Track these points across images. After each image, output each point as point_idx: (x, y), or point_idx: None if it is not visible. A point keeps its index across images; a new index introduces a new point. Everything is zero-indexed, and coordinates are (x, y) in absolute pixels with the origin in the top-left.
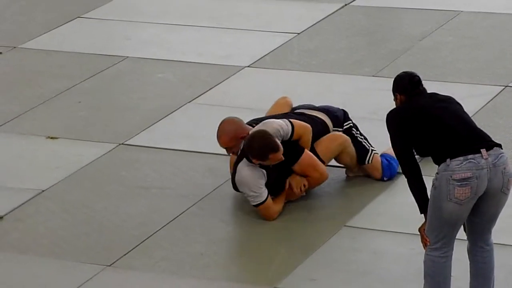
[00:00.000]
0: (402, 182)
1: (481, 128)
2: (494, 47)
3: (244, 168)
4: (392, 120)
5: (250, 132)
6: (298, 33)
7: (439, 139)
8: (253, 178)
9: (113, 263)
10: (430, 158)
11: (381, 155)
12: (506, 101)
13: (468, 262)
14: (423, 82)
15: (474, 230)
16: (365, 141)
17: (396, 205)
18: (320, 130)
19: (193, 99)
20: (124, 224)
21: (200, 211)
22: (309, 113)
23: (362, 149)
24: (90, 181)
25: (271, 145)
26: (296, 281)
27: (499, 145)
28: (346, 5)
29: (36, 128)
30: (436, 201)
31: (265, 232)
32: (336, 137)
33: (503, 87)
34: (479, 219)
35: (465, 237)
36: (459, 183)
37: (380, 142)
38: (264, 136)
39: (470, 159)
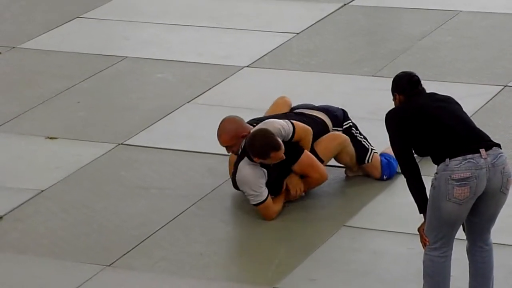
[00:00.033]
0: (401, 182)
1: (480, 128)
2: (493, 47)
3: (245, 167)
4: (391, 120)
5: (251, 131)
6: (298, 33)
7: (438, 139)
8: (254, 177)
9: (112, 263)
10: (429, 158)
11: (381, 154)
12: (505, 101)
13: (468, 262)
14: (422, 82)
15: (473, 230)
16: (365, 140)
17: (396, 205)
18: (320, 130)
19: (193, 99)
20: (124, 224)
21: (200, 211)
22: (309, 113)
23: (361, 149)
24: (90, 181)
25: (273, 143)
26: (296, 281)
27: (498, 145)
28: (345, 5)
29: (36, 128)
30: (435, 201)
31: (265, 232)
32: (336, 137)
33: (502, 87)
34: (478, 219)
35: (465, 237)
36: (458, 183)
37: (380, 142)
38: (266, 135)
39: (469, 159)
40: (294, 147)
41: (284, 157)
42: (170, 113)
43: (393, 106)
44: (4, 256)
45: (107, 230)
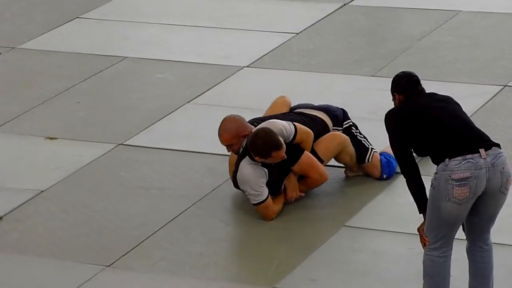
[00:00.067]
0: (401, 182)
1: (480, 128)
2: (493, 46)
3: (246, 166)
4: (391, 120)
5: (253, 130)
6: (297, 33)
7: (438, 139)
8: (255, 177)
9: (112, 263)
10: (428, 157)
11: (380, 154)
12: (505, 100)
13: (467, 262)
14: (422, 81)
15: (473, 230)
16: (365, 140)
17: (396, 205)
18: (320, 130)
19: (192, 99)
20: (124, 225)
21: (200, 211)
22: (309, 113)
23: (362, 148)
24: (90, 182)
25: (275, 142)
26: (296, 281)
27: (498, 145)
28: (345, 5)
29: (35, 128)
30: (435, 201)
31: (265, 232)
32: (335, 137)
33: (502, 86)
34: (478, 219)
35: (464, 237)
36: (457, 183)
37: (380, 141)
38: (268, 134)
39: (469, 159)
40: (294, 148)
41: (286, 157)
42: (170, 113)
43: (392, 106)
44: (4, 256)
45: (107, 230)
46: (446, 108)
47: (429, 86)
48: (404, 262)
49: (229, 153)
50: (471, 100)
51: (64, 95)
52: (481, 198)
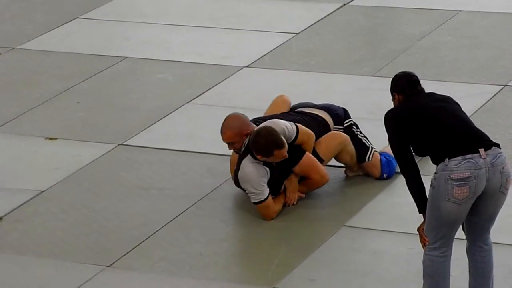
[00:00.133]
0: (401, 182)
1: (480, 128)
2: (493, 46)
3: (248, 165)
4: (390, 119)
5: (255, 129)
6: (297, 33)
7: (437, 139)
8: (257, 175)
9: (112, 263)
10: (428, 157)
11: (380, 154)
12: (505, 100)
13: (467, 262)
14: (422, 81)
15: (473, 230)
16: (365, 139)
17: (395, 204)
18: (321, 129)
19: (192, 99)
20: (124, 225)
21: (200, 211)
22: (310, 112)
23: (362, 147)
24: (89, 182)
25: (277, 141)
26: (296, 281)
27: (497, 145)
28: (345, 5)
29: (35, 129)
30: (435, 201)
31: (265, 232)
32: (336, 136)
33: (502, 86)
34: (478, 219)
35: (464, 237)
36: (457, 183)
37: (380, 141)
38: (270, 132)
39: (469, 159)
40: (296, 148)
41: (287, 156)
42: (170, 113)
43: (392, 106)
44: (4, 256)
45: (107, 231)
46: (446, 108)
47: (429, 86)
48: (404, 262)
49: (230, 153)
50: (471, 100)
51: (64, 96)
52: (481, 198)
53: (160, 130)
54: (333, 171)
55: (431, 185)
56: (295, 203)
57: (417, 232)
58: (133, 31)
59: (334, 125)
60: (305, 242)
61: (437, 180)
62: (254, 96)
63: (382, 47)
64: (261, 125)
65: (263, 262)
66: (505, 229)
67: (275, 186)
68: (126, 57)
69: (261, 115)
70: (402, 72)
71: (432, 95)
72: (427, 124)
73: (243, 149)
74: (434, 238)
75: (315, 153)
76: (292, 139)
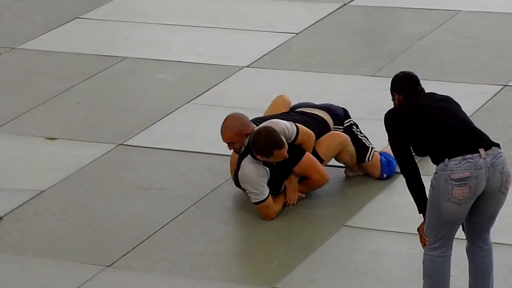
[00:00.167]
0: (401, 182)
1: (480, 128)
2: (493, 46)
3: (248, 165)
4: (390, 120)
5: (255, 129)
6: (297, 33)
7: (437, 139)
8: (257, 175)
9: (112, 263)
10: (428, 157)
11: (380, 154)
12: (505, 100)
13: (467, 262)
14: (422, 81)
15: (473, 230)
16: (365, 139)
17: (396, 204)
18: (321, 129)
19: (192, 99)
20: (124, 225)
21: (200, 211)
22: (310, 111)
23: (362, 147)
24: (89, 182)
25: (277, 141)
26: (296, 281)
27: (497, 145)
28: (345, 4)
29: (35, 129)
30: (435, 201)
31: (265, 232)
32: (336, 136)
33: (502, 86)
34: (478, 219)
35: (464, 237)
36: (457, 183)
37: (380, 141)
38: (270, 132)
39: (468, 158)
40: (296, 148)
41: (287, 156)
42: (170, 113)
43: (392, 106)
44: (4, 256)
45: (107, 231)
46: (446, 108)
47: (429, 86)
48: (404, 262)
49: (230, 153)
50: (471, 100)
51: (64, 96)
52: (481, 198)
53: (160, 130)
54: (333, 171)
55: (431, 185)
56: (295, 203)
57: (417, 232)
58: (133, 31)
59: (334, 125)
60: (305, 242)
61: (437, 180)
62: (254, 96)
63: (382, 47)
64: (261, 125)
65: (263, 262)
66: (505, 229)
67: (275, 186)
68: (126, 57)
69: (261, 115)
70: (402, 72)
71: (432, 95)
72: (427, 124)
73: (243, 149)
74: (434, 238)
75: (315, 153)
76: (292, 139)
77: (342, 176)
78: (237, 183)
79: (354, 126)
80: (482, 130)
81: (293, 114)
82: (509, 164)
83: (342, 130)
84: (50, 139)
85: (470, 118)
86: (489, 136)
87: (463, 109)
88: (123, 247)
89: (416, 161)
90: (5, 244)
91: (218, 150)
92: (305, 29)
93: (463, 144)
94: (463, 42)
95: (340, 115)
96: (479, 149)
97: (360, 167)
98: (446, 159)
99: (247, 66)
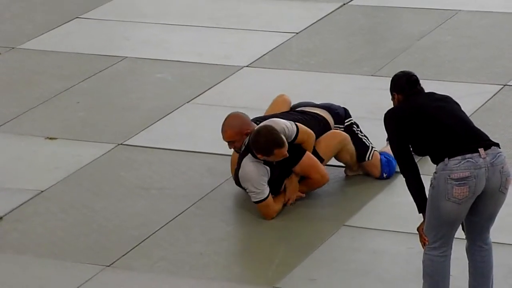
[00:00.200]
0: (401, 181)
1: (480, 127)
2: (492, 46)
3: (248, 164)
4: (390, 119)
5: (255, 128)
6: (297, 33)
7: (437, 139)
8: (257, 174)
9: (112, 263)
10: (428, 157)
11: (380, 153)
12: (505, 100)
13: (467, 261)
14: (421, 81)
15: (472, 229)
16: (365, 138)
17: (395, 204)
18: (321, 128)
19: (192, 99)
20: (123, 224)
21: (199, 211)
22: (310, 111)
23: (362, 146)
24: (89, 182)
25: (277, 140)
26: (296, 280)
27: (497, 144)
28: (344, 4)
29: (35, 128)
30: (435, 200)
31: (265, 232)
32: (336, 135)
33: (502, 86)
34: (478, 218)
35: (464, 236)
36: (457, 183)
37: (380, 141)
38: (270, 131)
39: (468, 158)
40: (296, 148)
41: (287, 155)
42: (169, 113)
43: (392, 105)
44: (4, 256)
45: (107, 231)
46: (445, 107)
47: (428, 86)
48: (404, 261)
49: (230, 153)
50: (470, 99)
51: (64, 95)
52: (481, 197)
53: (160, 130)
54: (333, 171)
55: (430, 185)
56: (294, 202)
57: (417, 232)
58: (132, 31)
59: (335, 124)
60: (305, 241)
61: (437, 179)
62: (254, 96)
63: (382, 46)
64: (261, 124)
65: (263, 261)
66: (505, 229)
67: (276, 186)
68: (126, 57)
69: (261, 114)
70: (401, 71)
71: (432, 94)
72: (426, 123)
73: (243, 148)
74: (434, 237)
75: (315, 152)
76: (292, 138)
77: (342, 175)
78: (238, 182)
79: (354, 125)
80: (482, 129)
81: (294, 113)
82: (508, 164)
83: (342, 129)
84: (50, 139)
85: (470, 117)
86: (488, 135)
87: (462, 108)
88: (123, 247)
89: (416, 161)
90: (5, 244)
91: (218, 149)
92: (305, 29)
93: (462, 143)
94: (462, 41)
95: (340, 114)
96: (479, 149)
97: (360, 167)
98: (446, 159)
99: (247, 66)
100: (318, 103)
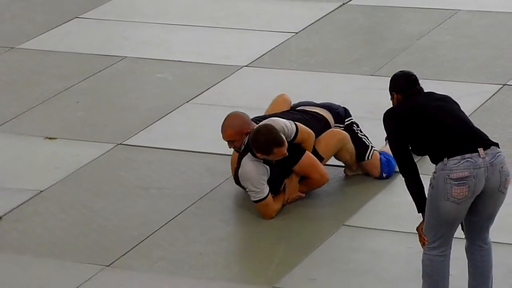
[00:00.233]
0: (400, 181)
1: (479, 127)
2: (492, 45)
3: (248, 163)
4: (389, 119)
5: (255, 127)
6: (296, 32)
7: (436, 138)
8: (257, 174)
9: (112, 263)
10: (427, 157)
11: (380, 153)
12: (504, 99)
13: (467, 261)
14: (421, 81)
15: (472, 229)
16: (365, 138)
17: (395, 204)
18: (321, 128)
19: (191, 99)
20: (123, 224)
21: (199, 210)
22: (310, 110)
23: (362, 146)
24: (89, 182)
25: (276, 139)
26: (295, 280)
27: (496, 144)
28: (344, 4)
29: (35, 128)
30: (434, 200)
31: (264, 232)
32: (335, 134)
33: (501, 85)
34: (477, 218)
35: (463, 236)
36: (456, 182)
37: (379, 141)
38: (270, 130)
39: (468, 158)
40: (296, 147)
41: (287, 154)
42: (169, 113)
43: (391, 105)
44: (3, 256)
45: (106, 230)
46: (444, 107)
47: (428, 85)
48: (403, 261)
49: (229, 152)
50: (470, 99)
51: (63, 95)
52: (480, 197)
53: (160, 130)
54: (333, 171)
55: (430, 185)
56: (293, 199)
57: (416, 232)
58: (132, 31)
59: (335, 123)
60: (304, 241)
61: (436, 179)
62: (254, 96)
63: (381, 46)
64: (261, 123)
65: (263, 261)
66: (504, 228)
67: (275, 185)
68: (126, 57)
69: (260, 114)
70: (401, 71)
71: (431, 94)
72: (426, 123)
73: (243, 147)
74: (433, 237)
75: (314, 151)
76: (292, 138)
77: (341, 175)
78: (237, 181)
79: (354, 125)
80: (481, 129)
81: (294, 112)
82: (508, 163)
83: (343, 128)
84: (50, 138)
85: (469, 117)
86: (488, 135)
87: (462, 108)
88: (123, 247)
89: (415, 161)
90: (5, 244)
91: (218, 149)
92: (304, 29)
93: (462, 143)
94: (462, 41)
95: (341, 114)
96: (478, 149)
97: (359, 166)
98: (445, 159)
99: (246, 66)
100: (319, 102)
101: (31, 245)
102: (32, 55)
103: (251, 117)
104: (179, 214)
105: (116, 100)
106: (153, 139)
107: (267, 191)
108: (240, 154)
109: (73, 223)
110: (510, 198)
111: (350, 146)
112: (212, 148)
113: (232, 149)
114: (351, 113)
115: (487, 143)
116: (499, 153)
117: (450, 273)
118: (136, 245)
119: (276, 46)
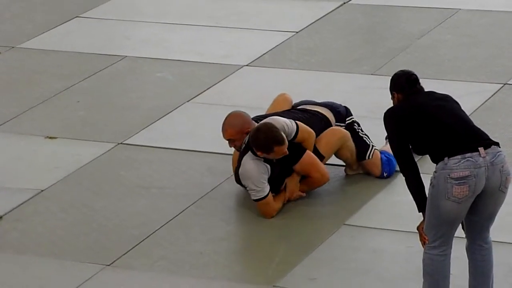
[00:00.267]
0: (401, 180)
1: (480, 126)
2: (492, 45)
3: (249, 162)
4: (390, 118)
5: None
6: (297, 32)
7: (437, 138)
8: (257, 172)
9: (112, 262)
10: (428, 156)
11: (380, 152)
12: (505, 99)
13: (467, 261)
14: (421, 80)
15: (472, 229)
16: (366, 137)
17: (395, 203)
18: (322, 127)
19: (192, 98)
20: (124, 224)
21: (200, 210)
22: (311, 109)
23: (363, 144)
24: (89, 181)
25: (277, 137)
26: (296, 279)
27: (497, 143)
28: (344, 3)
29: (35, 128)
30: (434, 199)
31: (265, 231)
32: (336, 132)
33: (502, 85)
34: (478, 217)
35: (464, 235)
36: (457, 182)
37: (380, 140)
38: (270, 129)
39: (468, 157)
40: (296, 146)
41: (287, 153)
42: (169, 112)
43: (391, 104)
44: (4, 256)
45: (107, 230)
46: (445, 106)
47: (428, 85)
48: (404, 260)
49: (230, 152)
50: (470, 98)
51: (64, 95)
52: (481, 196)
53: (160, 129)
54: (333, 170)
55: (430, 184)
56: (294, 198)
57: (417, 231)
58: (132, 30)
59: (336, 122)
60: (305, 240)
61: (437, 179)
62: (254, 95)
63: (381, 45)
64: (261, 122)
65: (263, 260)
66: (504, 228)
67: (276, 184)
68: (126, 56)
69: (261, 113)
70: (401, 70)
71: (432, 93)
72: (426, 122)
73: (243, 146)
74: (434, 236)
75: (315, 150)
76: (292, 136)
77: (342, 174)
78: (238, 180)
79: (355, 124)
80: (482, 128)
81: (294, 111)
82: (508, 163)
83: (344, 127)
84: (50, 138)
85: (470, 116)
86: (488, 134)
87: (462, 107)
88: (123, 246)
89: (416, 160)
90: (5, 244)
91: (218, 149)
92: (305, 28)
93: (462, 143)
94: (462, 40)
95: (342, 113)
96: (479, 148)
97: (360, 166)
98: (446, 158)
99: (247, 65)
100: (320, 101)
101: (31, 245)
102: (33, 55)
103: (251, 116)
104: (179, 214)
105: (116, 99)
106: (154, 138)
107: (268, 190)
108: (241, 153)
109: (74, 223)
110: (511, 198)
111: (351, 144)
112: (212, 148)
113: (233, 149)
114: (351, 112)
115: (488, 143)
116: (500, 153)
117: (450, 272)
118: (137, 245)
119: (277, 46)
